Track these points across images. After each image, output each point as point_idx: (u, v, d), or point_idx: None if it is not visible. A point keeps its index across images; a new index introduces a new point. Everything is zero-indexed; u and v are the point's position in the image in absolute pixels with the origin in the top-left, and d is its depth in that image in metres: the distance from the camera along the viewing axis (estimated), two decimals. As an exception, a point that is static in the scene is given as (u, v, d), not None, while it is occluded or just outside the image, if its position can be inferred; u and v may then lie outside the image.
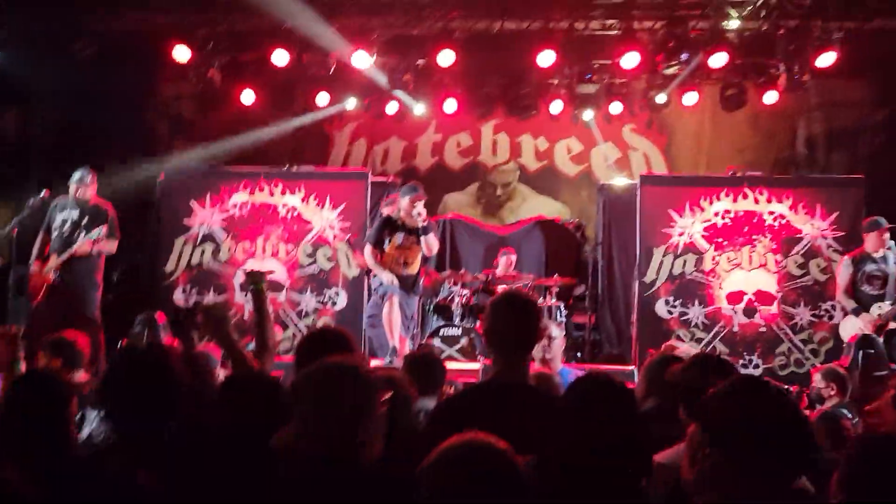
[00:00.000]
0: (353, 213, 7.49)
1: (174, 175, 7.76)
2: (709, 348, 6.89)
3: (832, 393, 4.19)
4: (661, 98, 8.56)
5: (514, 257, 7.95)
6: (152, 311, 5.43)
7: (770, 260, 6.97)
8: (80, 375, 4.08)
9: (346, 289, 7.41)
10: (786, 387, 4.97)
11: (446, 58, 7.95)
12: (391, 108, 9.02)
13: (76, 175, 6.18)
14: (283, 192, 7.51)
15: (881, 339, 5.57)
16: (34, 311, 6.01)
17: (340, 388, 1.81)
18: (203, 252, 7.44)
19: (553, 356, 4.42)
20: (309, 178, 7.62)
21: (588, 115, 9.02)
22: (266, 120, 9.47)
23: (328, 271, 7.44)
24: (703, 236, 7.10)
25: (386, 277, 6.05)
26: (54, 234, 6.08)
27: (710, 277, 7.05)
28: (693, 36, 7.80)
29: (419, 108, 8.98)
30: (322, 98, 9.03)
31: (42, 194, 6.19)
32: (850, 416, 3.80)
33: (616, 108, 8.94)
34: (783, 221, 6.99)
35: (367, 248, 6.24)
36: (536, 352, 4.35)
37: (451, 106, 9.01)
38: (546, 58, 7.91)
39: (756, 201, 7.05)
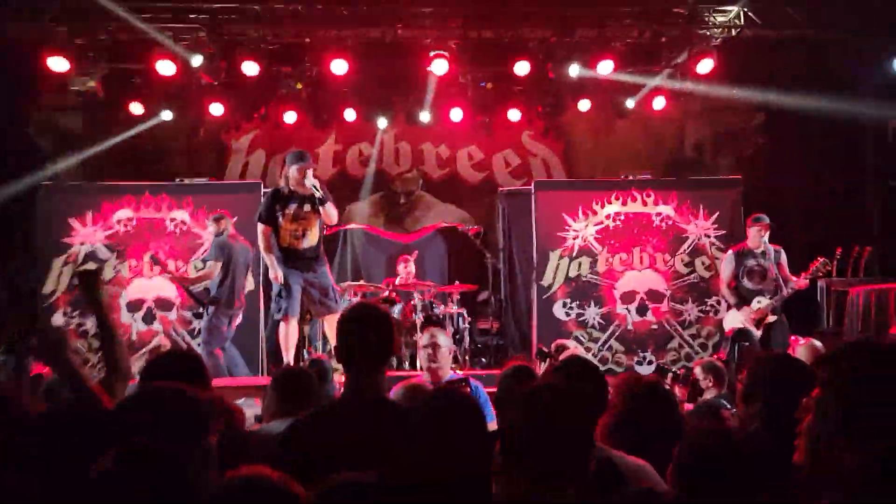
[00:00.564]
0: (247, 225, 7.27)
1: (51, 191, 7.35)
2: (605, 347, 7.05)
3: (710, 384, 4.34)
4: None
5: (412, 264, 7.91)
6: (19, 338, 5.10)
7: (659, 259, 7.20)
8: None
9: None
10: (674, 369, 5.11)
11: (339, 66, 7.87)
12: (289, 117, 8.86)
13: None
14: (171, 207, 7.23)
15: (760, 332, 5.82)
16: None
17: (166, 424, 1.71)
18: (86, 272, 7.06)
19: (440, 364, 4.36)
20: (198, 191, 7.37)
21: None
22: (157, 132, 9.14)
23: (222, 287, 7.18)
24: (596, 239, 7.26)
25: (276, 272, 5.63)
26: None
27: (604, 279, 7.22)
28: (582, 44, 8.00)
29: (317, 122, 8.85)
30: (216, 108, 8.78)
31: None
32: (728, 406, 3.93)
33: (514, 115, 9.06)
34: (669, 223, 7.24)
35: (260, 228, 5.74)
36: (423, 361, 4.31)
37: (350, 115, 8.93)
38: (440, 66, 7.94)
39: (644, 203, 7.28)
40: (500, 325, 8.45)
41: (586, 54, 7.94)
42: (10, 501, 1.74)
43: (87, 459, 1.80)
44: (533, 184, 7.63)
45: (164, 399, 1.79)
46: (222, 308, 6.45)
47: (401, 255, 8.15)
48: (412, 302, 7.48)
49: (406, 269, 7.82)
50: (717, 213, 7.20)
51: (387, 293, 7.69)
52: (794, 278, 5.98)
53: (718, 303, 7.05)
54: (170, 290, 7.02)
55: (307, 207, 5.65)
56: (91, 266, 2.43)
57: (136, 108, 8.54)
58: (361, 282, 7.77)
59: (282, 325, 5.87)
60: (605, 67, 7.87)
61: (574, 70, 7.85)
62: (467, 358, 7.63)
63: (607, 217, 7.28)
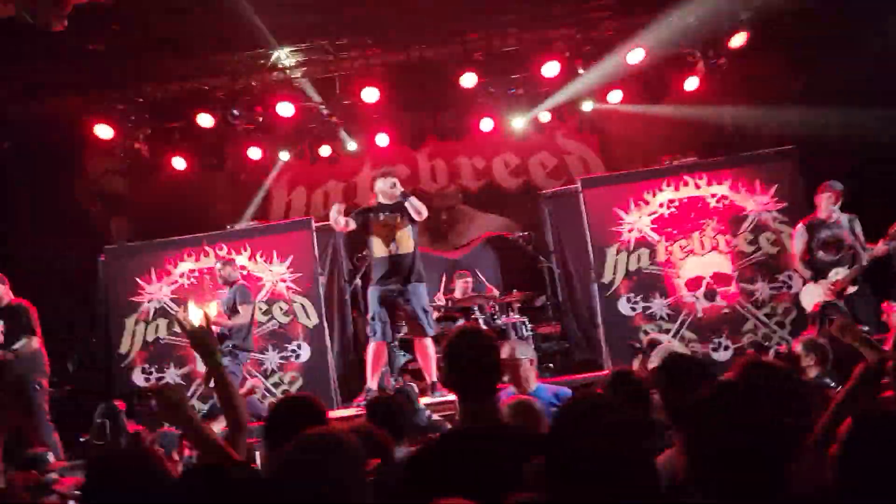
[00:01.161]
0: (303, 262, 7.36)
1: (114, 254, 7.51)
2: (677, 337, 6.94)
3: (812, 363, 4.20)
4: (587, 105, 8.68)
5: (470, 280, 7.91)
6: (111, 401, 5.21)
7: (721, 241, 7.08)
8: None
9: (307, 340, 7.26)
10: (774, 347, 4.97)
11: (371, 94, 7.94)
12: (324, 151, 8.96)
13: None
14: (229, 253, 7.34)
15: (843, 304, 5.67)
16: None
17: (324, 462, 1.71)
18: (157, 327, 7.21)
19: (525, 376, 4.33)
20: (253, 235, 7.47)
21: (519, 122, 9.01)
22: (200, 184, 9.32)
23: (286, 325, 7.28)
24: (652, 229, 7.18)
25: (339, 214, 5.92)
26: None
27: (666, 268, 7.12)
28: (608, 36, 7.97)
29: (352, 145, 8.96)
30: (254, 152, 8.92)
31: None
32: (832, 385, 3.82)
33: (545, 116, 9.04)
34: (726, 202, 7.13)
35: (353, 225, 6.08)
36: (505, 376, 4.28)
37: (383, 140, 9.00)
38: (468, 79, 7.97)
39: (697, 186, 7.17)
40: (562, 329, 8.38)
41: (614, 46, 7.89)
42: None
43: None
44: (579, 182, 7.57)
45: (327, 443, 1.79)
46: (245, 351, 6.52)
47: (456, 271, 8.14)
48: (473, 316, 7.47)
49: (465, 284, 7.81)
50: (776, 186, 7.06)
51: (445, 310, 7.69)
52: (871, 245, 5.81)
53: (790, 278, 6.89)
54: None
55: (395, 215, 5.96)
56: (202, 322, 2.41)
57: (179, 163, 8.73)
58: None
59: (370, 345, 6.06)
60: (635, 56, 7.81)
61: (606, 64, 7.79)
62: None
63: (661, 205, 7.19)
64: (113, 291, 7.34)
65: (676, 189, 7.18)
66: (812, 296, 5.93)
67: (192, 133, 8.11)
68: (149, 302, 7.23)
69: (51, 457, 4.41)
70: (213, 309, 6.76)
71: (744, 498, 1.53)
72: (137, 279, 7.27)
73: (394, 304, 6.01)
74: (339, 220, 5.96)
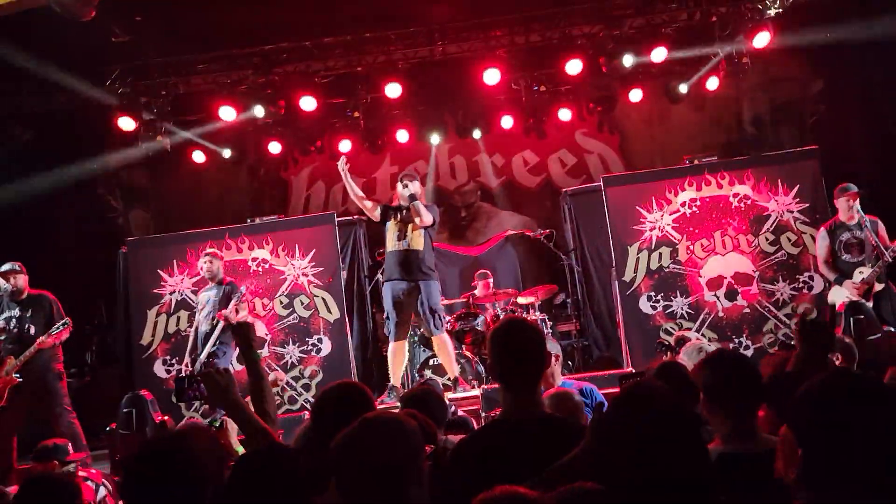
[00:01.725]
0: (325, 257, 7.39)
1: (136, 246, 7.56)
2: (697, 336, 6.92)
3: (838, 363, 4.18)
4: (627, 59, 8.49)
5: (490, 278, 7.93)
6: (137, 391, 5.26)
7: (742, 241, 7.05)
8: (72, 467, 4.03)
9: (327, 334, 7.29)
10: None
11: (394, 90, 7.96)
12: (344, 146, 8.98)
13: (6, 267, 5.96)
14: (252, 247, 7.38)
15: (870, 304, 5.66)
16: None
17: (390, 447, 1.73)
18: (179, 319, 7.25)
19: (553, 371, 4.37)
20: (275, 228, 7.50)
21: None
22: (220, 177, 9.38)
23: (308, 319, 7.31)
24: (673, 228, 7.16)
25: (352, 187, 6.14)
26: (2, 336, 5.87)
27: (687, 267, 7.11)
28: (630, 34, 7.96)
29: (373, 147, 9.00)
30: (274, 147, 8.97)
31: None
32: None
33: (565, 114, 9.04)
34: (748, 202, 7.10)
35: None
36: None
37: (403, 136, 9.02)
38: (492, 76, 7.98)
39: (719, 186, 7.15)
40: (581, 326, 8.38)
41: (637, 43, 7.89)
42: None
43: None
44: (601, 180, 7.56)
45: (393, 427, 1.81)
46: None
47: (477, 269, 8.16)
48: (494, 312, 7.49)
49: (484, 283, 7.83)
50: (798, 187, 7.03)
51: (465, 307, 7.71)
52: (893, 243, 5.81)
53: (811, 278, 6.87)
54: (260, 328, 7.15)
55: (407, 214, 6.09)
56: (248, 319, 2.49)
57: (199, 157, 8.79)
58: (441, 298, 7.78)
59: (389, 345, 6.17)
60: (659, 54, 7.80)
61: (628, 61, 7.78)
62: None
63: (683, 204, 7.17)
64: (134, 283, 7.38)
65: (699, 188, 7.16)
66: (839, 296, 5.92)
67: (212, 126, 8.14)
68: (171, 294, 7.26)
69: (70, 447, 4.45)
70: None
71: None
72: (159, 271, 7.30)
73: (406, 303, 6.07)
74: (352, 183, 6.12)
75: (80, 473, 4.41)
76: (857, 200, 5.99)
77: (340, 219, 7.74)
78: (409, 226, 6.05)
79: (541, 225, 9.35)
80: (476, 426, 3.75)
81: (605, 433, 1.70)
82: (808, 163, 7.12)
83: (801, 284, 6.92)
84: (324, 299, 7.33)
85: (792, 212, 7.02)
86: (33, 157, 8.48)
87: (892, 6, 7.44)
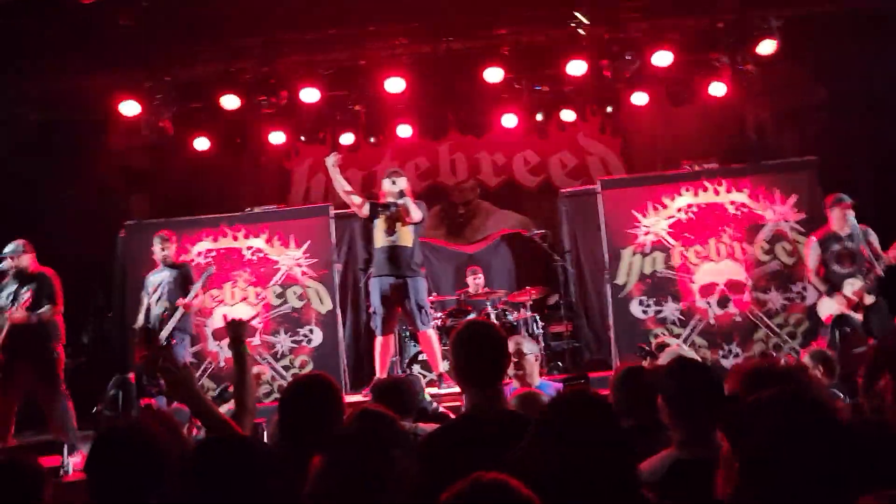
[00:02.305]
0: (319, 248, 7.42)
1: (134, 230, 7.61)
2: (687, 343, 6.93)
3: (819, 374, 4.19)
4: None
5: (481, 275, 7.95)
6: (125, 374, 5.30)
7: (737, 249, 7.05)
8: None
9: (319, 325, 7.32)
10: (783, 357, 4.98)
11: (396, 85, 7.96)
12: (346, 139, 8.99)
13: (9, 248, 6.05)
14: (247, 236, 7.43)
15: (859, 316, 5.64)
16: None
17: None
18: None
19: (529, 372, 4.38)
20: (271, 218, 7.54)
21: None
22: (222, 165, 9.41)
23: (300, 309, 7.35)
24: (668, 233, 7.16)
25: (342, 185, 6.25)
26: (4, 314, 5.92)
27: (680, 273, 7.11)
28: (636, 37, 7.93)
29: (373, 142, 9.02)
30: (276, 137, 8.99)
31: None
32: (840, 396, 3.81)
33: (568, 115, 9.02)
34: (745, 210, 7.10)
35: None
36: (510, 370, 4.32)
37: (405, 131, 9.02)
38: (494, 74, 7.96)
39: (716, 193, 7.14)
40: (573, 328, 8.39)
41: (642, 47, 7.86)
42: None
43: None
44: (599, 183, 7.56)
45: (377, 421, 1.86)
46: (188, 334, 6.52)
47: (468, 267, 8.18)
48: (485, 311, 7.51)
49: (475, 281, 7.85)
50: (796, 197, 7.02)
51: (456, 304, 7.74)
52: (885, 255, 5.79)
53: (805, 289, 6.86)
54: (252, 317, 7.19)
55: (396, 211, 6.15)
56: (242, 317, 2.62)
57: (201, 144, 8.81)
58: (433, 295, 7.81)
59: (377, 340, 6.21)
60: (663, 58, 7.77)
61: (632, 64, 7.77)
62: (543, 363, 7.59)
63: (679, 210, 7.17)
64: (131, 267, 7.44)
65: (695, 194, 7.15)
66: (828, 308, 5.91)
67: (216, 114, 8.16)
68: (166, 279, 7.30)
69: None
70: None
71: None
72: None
73: (394, 298, 6.09)
74: (343, 181, 6.12)
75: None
76: (851, 211, 5.97)
77: (338, 211, 7.77)
78: (398, 222, 6.07)
79: (539, 225, 9.35)
80: None
81: (536, 433, 1.75)
82: (807, 173, 7.11)
83: (793, 294, 6.92)
84: (317, 291, 7.37)
85: (788, 221, 7.02)
86: (39, 138, 8.54)
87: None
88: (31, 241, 6.30)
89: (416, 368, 7.13)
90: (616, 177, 8.67)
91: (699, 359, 3.70)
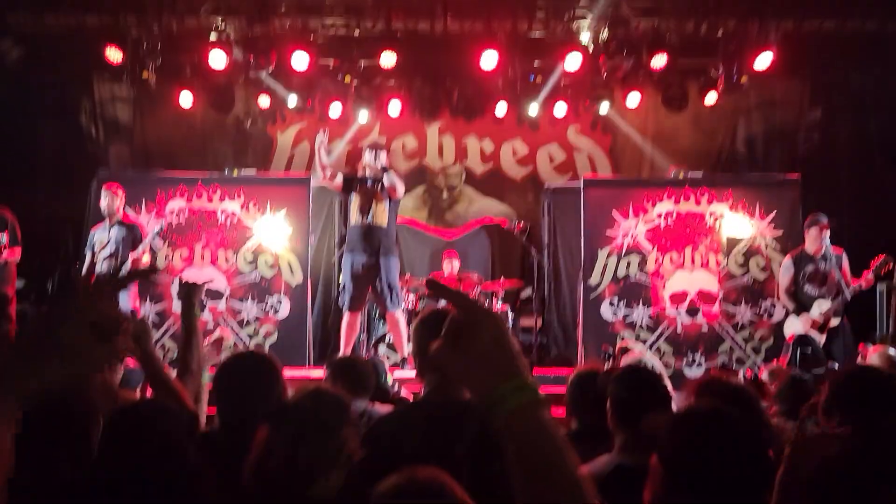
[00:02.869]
0: (295, 218, 7.32)
1: (107, 180, 7.46)
2: (653, 349, 6.94)
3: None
4: (603, 107, 8.67)
5: (457, 262, 7.89)
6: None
7: (711, 260, 7.05)
8: None
9: (288, 296, 7.24)
10: (742, 372, 4.99)
11: (388, 59, 7.84)
12: (334, 110, 8.86)
13: None
14: (223, 198, 7.29)
15: (823, 338, 5.67)
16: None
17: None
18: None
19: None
20: (249, 183, 7.41)
21: (534, 109, 8.95)
22: (205, 122, 9.24)
23: (270, 279, 7.25)
24: (646, 237, 7.14)
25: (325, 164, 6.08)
26: None
27: (653, 278, 7.10)
28: (635, 37, 7.87)
29: (363, 116, 8.89)
30: (263, 100, 8.84)
31: None
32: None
33: (560, 109, 8.95)
34: (723, 221, 7.08)
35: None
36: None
37: (395, 108, 8.91)
38: (489, 59, 7.87)
39: (698, 202, 7.12)
40: (543, 323, 8.38)
41: (640, 47, 7.80)
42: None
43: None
44: (582, 181, 7.51)
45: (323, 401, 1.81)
46: None
47: (446, 252, 8.12)
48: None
49: (451, 266, 7.80)
50: (775, 213, 7.02)
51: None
52: (855, 281, 5.83)
53: (773, 306, 6.88)
54: (219, 281, 7.09)
55: (374, 187, 6.01)
56: (198, 281, 2.61)
57: (186, 100, 8.64)
58: (407, 276, 7.75)
59: (344, 316, 6.12)
60: (659, 61, 7.72)
61: (628, 64, 7.71)
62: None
63: (658, 215, 7.14)
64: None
65: (677, 202, 7.13)
66: (793, 327, 5.94)
67: (202, 70, 7.99)
68: (134, 231, 7.17)
69: None
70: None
71: None
72: (127, 208, 7.20)
73: (365, 276, 6.02)
74: (325, 156, 6.02)
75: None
76: (827, 231, 5.98)
77: (319, 183, 7.66)
78: (374, 199, 5.98)
79: (521, 217, 9.28)
80: None
81: None
82: (790, 191, 7.10)
83: (762, 311, 6.93)
84: (289, 262, 7.27)
85: (765, 237, 7.01)
86: (20, 76, 8.33)
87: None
88: (6, 185, 6.14)
89: (382, 349, 7.07)
90: (600, 177, 8.64)
91: (661, 365, 3.66)
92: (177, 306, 7.10)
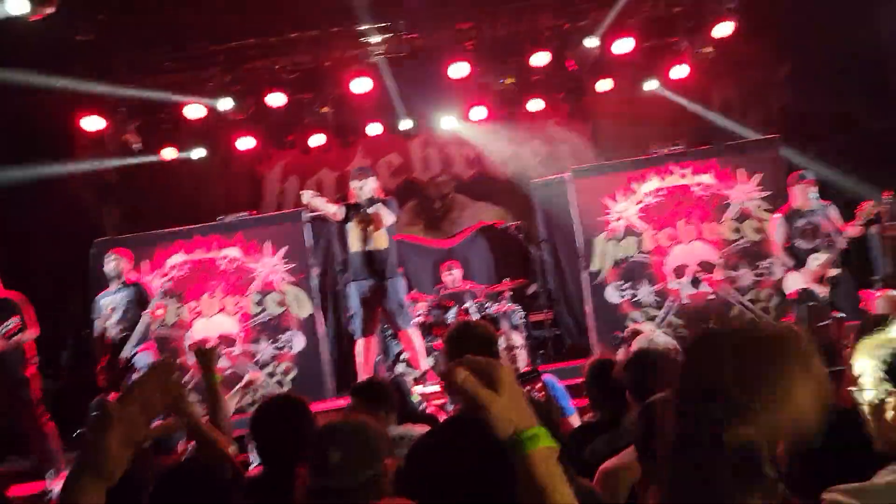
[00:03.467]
0: (295, 253, 7.43)
1: (105, 247, 7.55)
2: (663, 323, 7.04)
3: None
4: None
5: (457, 271, 7.99)
6: (106, 395, 5.28)
7: (706, 229, 7.16)
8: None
9: (300, 330, 7.34)
10: None
11: (362, 85, 7.97)
12: (315, 140, 8.98)
13: None
14: (221, 246, 7.40)
15: (824, 289, 5.77)
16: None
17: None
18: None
19: (519, 366, 4.45)
20: (244, 226, 7.52)
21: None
22: (192, 174, 9.35)
23: (279, 316, 7.36)
24: (639, 217, 7.25)
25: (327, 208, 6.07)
26: None
27: (653, 256, 7.21)
28: (596, 26, 7.98)
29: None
30: (245, 142, 8.95)
31: None
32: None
33: (536, 105, 9.06)
34: (711, 191, 7.20)
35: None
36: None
37: (374, 129, 9.03)
38: (459, 69, 8.00)
39: (682, 176, 7.24)
40: (554, 316, 8.47)
41: (602, 35, 7.91)
42: None
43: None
44: (569, 172, 7.63)
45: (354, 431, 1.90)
46: None
47: (444, 263, 8.22)
48: (465, 305, 7.56)
49: (450, 275, 7.89)
50: (760, 175, 7.14)
51: (437, 299, 7.77)
52: (844, 227, 5.93)
53: (771, 265, 6.99)
54: (231, 327, 7.19)
55: (368, 214, 6.07)
56: (211, 345, 2.73)
57: (169, 153, 8.75)
58: (413, 291, 7.85)
59: (357, 344, 6.19)
60: (625, 45, 7.85)
61: (592, 43, 7.80)
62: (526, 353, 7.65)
63: (647, 194, 7.26)
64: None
65: (662, 178, 7.25)
66: (794, 283, 6.04)
67: (182, 124, 8.11)
68: (141, 294, 7.27)
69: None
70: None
71: None
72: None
73: (373, 300, 6.12)
74: (328, 206, 6.06)
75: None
76: (814, 187, 6.09)
77: (313, 214, 7.76)
78: (370, 226, 6.07)
79: (515, 215, 9.40)
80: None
81: None
82: (770, 151, 7.22)
83: (762, 270, 7.04)
84: (296, 296, 7.38)
85: (754, 199, 7.13)
86: (5, 154, 8.41)
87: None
88: (2, 258, 6.20)
89: (401, 367, 7.16)
90: (585, 166, 8.73)
91: (672, 341, 3.75)
92: (192, 359, 7.19)
